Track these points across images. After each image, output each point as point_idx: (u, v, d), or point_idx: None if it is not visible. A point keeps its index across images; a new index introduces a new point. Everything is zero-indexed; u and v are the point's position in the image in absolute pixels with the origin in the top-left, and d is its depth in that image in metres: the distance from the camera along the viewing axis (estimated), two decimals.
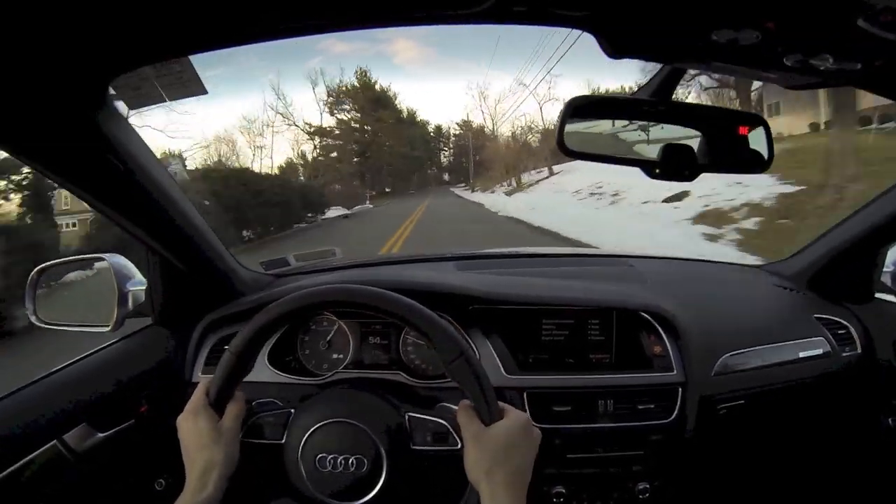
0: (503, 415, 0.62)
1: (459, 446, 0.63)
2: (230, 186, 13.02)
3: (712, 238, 6.71)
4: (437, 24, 0.47)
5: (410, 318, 0.64)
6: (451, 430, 0.65)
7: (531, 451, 0.62)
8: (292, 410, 0.69)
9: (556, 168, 21.58)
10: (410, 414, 0.68)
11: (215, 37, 0.47)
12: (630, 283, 1.07)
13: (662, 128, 0.64)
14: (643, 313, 0.93)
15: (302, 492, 0.66)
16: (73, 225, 10.50)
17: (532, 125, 30.02)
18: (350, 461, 0.64)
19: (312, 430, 0.66)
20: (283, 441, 0.67)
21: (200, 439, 0.64)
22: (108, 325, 0.90)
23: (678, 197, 9.02)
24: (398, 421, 0.67)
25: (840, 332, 1.03)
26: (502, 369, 0.88)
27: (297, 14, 0.43)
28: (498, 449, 0.59)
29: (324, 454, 0.65)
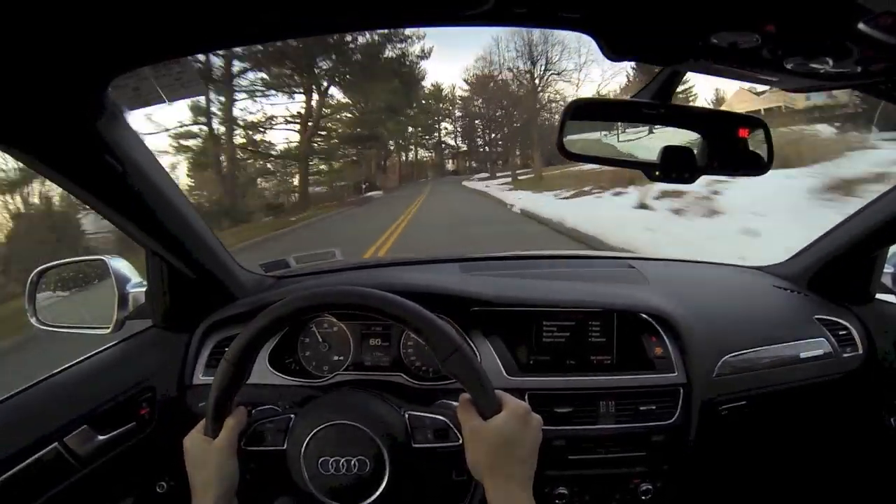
0: (501, 406, 0.61)
1: (460, 442, 0.64)
2: None
3: None
4: (438, 25, 0.48)
5: (405, 317, 0.64)
6: (450, 426, 0.66)
7: (533, 440, 0.61)
8: (292, 416, 0.70)
9: None
10: (410, 412, 0.68)
11: (215, 37, 0.47)
12: (631, 284, 1.07)
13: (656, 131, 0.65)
14: (644, 315, 0.94)
15: (305, 495, 0.66)
16: None
17: None
18: (352, 463, 0.64)
19: (313, 433, 0.66)
20: (285, 447, 0.67)
21: (195, 461, 0.65)
22: (107, 327, 0.90)
23: None
24: (398, 420, 0.67)
25: (841, 332, 1.03)
26: (503, 371, 0.88)
27: (298, 15, 0.43)
28: (498, 443, 0.59)
29: (326, 457, 0.65)
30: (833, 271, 1.09)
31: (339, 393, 0.77)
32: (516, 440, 0.59)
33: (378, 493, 0.64)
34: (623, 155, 0.67)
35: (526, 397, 0.87)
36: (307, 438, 0.66)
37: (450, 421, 0.66)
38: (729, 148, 0.64)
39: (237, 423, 0.67)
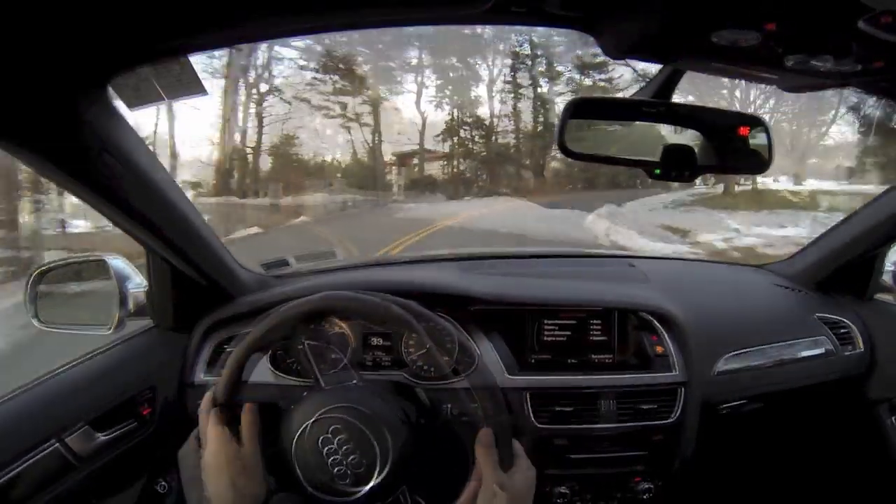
0: (514, 460, 0.65)
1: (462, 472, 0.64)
2: None
3: None
4: (438, 24, 0.48)
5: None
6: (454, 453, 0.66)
7: (532, 493, 0.66)
8: (304, 392, 0.70)
9: None
10: (418, 429, 0.68)
11: (215, 37, 0.47)
12: (631, 283, 1.07)
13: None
14: (644, 313, 0.93)
15: (289, 478, 0.66)
16: None
17: None
18: (350, 459, 0.64)
19: (322, 415, 0.65)
20: (290, 409, 0.68)
21: (227, 466, 0.63)
22: (108, 327, 0.90)
23: None
24: (405, 433, 0.67)
25: (841, 331, 1.03)
26: (504, 370, 0.88)
27: (298, 14, 0.43)
28: (514, 496, 0.62)
29: (326, 445, 0.64)
30: (833, 270, 1.09)
31: (352, 390, 0.76)
32: (527, 493, 0.65)
33: (365, 490, 0.63)
34: (624, 153, 0.67)
35: (527, 396, 0.87)
36: (314, 418, 0.65)
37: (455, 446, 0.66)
38: (729, 146, 0.63)
39: (253, 423, 0.67)
